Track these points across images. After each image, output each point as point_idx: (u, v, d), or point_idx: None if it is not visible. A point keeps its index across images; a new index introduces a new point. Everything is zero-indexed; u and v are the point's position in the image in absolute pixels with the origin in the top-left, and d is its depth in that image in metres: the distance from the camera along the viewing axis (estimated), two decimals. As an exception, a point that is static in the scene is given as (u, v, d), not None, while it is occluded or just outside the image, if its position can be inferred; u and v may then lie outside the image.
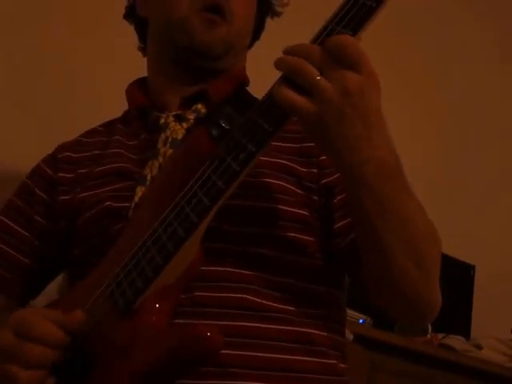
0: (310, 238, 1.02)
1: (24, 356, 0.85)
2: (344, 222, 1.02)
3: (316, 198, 1.04)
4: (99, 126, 1.25)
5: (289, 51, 0.82)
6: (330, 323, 1.02)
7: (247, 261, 0.97)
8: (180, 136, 1.07)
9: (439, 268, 0.96)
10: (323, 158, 1.05)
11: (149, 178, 1.04)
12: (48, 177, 1.17)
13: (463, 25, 2.77)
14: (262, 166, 1.00)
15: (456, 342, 2.20)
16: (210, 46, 1.09)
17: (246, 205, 0.99)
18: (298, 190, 1.03)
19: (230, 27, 1.10)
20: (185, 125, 1.09)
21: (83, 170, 1.14)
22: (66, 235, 1.12)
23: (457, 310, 2.36)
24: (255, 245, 0.98)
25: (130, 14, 1.25)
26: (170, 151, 1.05)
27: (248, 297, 0.95)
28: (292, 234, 1.01)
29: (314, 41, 0.82)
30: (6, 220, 1.17)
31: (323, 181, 1.05)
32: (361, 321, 2.05)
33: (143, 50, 1.26)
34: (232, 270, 0.96)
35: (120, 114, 1.23)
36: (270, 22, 1.28)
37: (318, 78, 0.79)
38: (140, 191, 1.02)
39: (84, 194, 1.09)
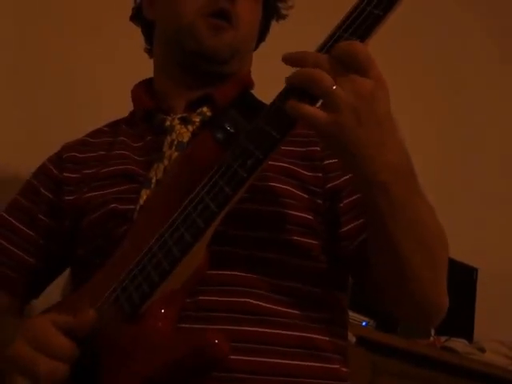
0: (314, 242, 1.03)
1: (38, 371, 0.85)
2: (352, 225, 1.03)
3: (320, 201, 1.05)
4: (104, 126, 1.25)
5: (289, 59, 0.82)
6: (334, 327, 1.02)
7: (253, 265, 0.97)
8: (186, 139, 1.08)
9: (447, 271, 0.97)
10: (328, 162, 1.05)
11: (154, 180, 1.04)
12: (53, 176, 1.18)
13: (463, 25, 2.77)
14: (267, 170, 1.00)
15: (459, 344, 2.20)
16: (216, 50, 1.10)
17: (252, 209, 0.99)
18: (303, 194, 1.04)
19: (236, 32, 1.11)
20: (190, 127, 1.09)
21: (89, 171, 1.14)
22: (70, 235, 1.12)
23: (460, 313, 2.35)
24: (261, 249, 0.98)
25: (137, 16, 1.25)
26: (176, 154, 1.05)
27: (253, 301, 0.95)
28: (297, 238, 1.01)
29: (321, 48, 0.82)
30: (10, 219, 1.18)
31: (328, 185, 1.05)
32: (364, 323, 2.05)
33: (149, 51, 1.26)
34: (238, 273, 0.96)
35: (120, 115, 1.23)
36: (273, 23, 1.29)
37: (334, 87, 0.79)
38: (145, 194, 1.02)
39: (89, 195, 1.09)
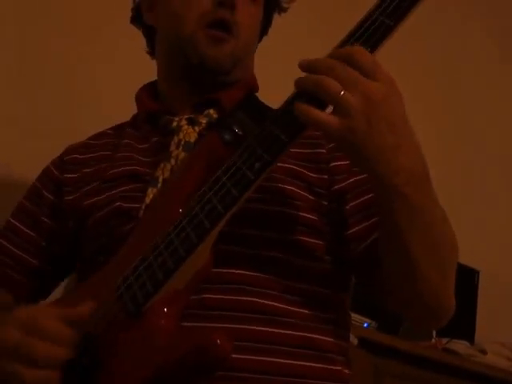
0: (319, 242, 1.03)
1: (30, 354, 0.82)
2: (360, 227, 1.03)
3: (326, 203, 1.05)
4: (108, 129, 1.25)
5: (305, 67, 0.82)
6: (338, 328, 1.03)
7: (259, 264, 0.98)
8: (193, 139, 1.08)
9: (455, 273, 0.98)
10: (334, 164, 1.06)
11: (160, 180, 1.04)
12: (55, 178, 1.19)
13: (463, 25, 2.78)
14: (274, 171, 1.00)
15: (460, 346, 2.21)
16: (218, 61, 1.10)
17: (259, 208, 0.99)
18: (308, 195, 1.04)
19: (236, 41, 1.11)
20: (197, 128, 1.10)
21: (88, 170, 1.15)
22: (74, 236, 1.13)
23: (461, 315, 2.34)
24: (267, 248, 0.99)
25: (137, 20, 1.25)
26: (183, 154, 1.05)
27: (259, 300, 0.96)
28: (302, 238, 1.02)
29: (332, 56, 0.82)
30: (15, 222, 1.19)
31: (334, 187, 1.06)
32: (365, 324, 2.06)
33: (151, 53, 1.26)
34: (243, 272, 0.97)
35: (120, 115, 1.24)
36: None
37: (342, 93, 0.79)
38: (151, 193, 1.03)
39: (96, 198, 1.10)
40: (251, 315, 0.94)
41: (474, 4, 2.82)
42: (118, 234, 1.02)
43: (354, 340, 1.88)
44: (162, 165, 1.06)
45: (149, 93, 1.20)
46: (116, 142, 1.18)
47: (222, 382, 0.89)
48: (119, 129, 1.23)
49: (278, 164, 0.99)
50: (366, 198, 1.03)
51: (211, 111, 1.12)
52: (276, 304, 0.96)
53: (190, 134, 1.08)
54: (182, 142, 1.07)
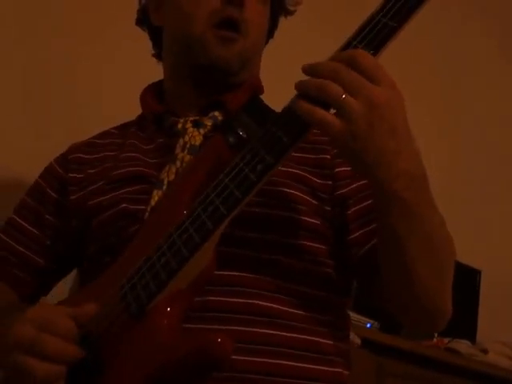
0: (321, 246, 1.04)
1: (43, 350, 0.84)
2: (361, 232, 1.04)
3: (329, 208, 1.06)
4: (112, 128, 1.25)
5: (308, 70, 0.82)
6: (338, 331, 1.03)
7: (261, 267, 0.98)
8: (198, 142, 1.08)
9: (452, 278, 0.98)
10: (338, 170, 1.06)
11: (165, 182, 1.04)
12: (59, 176, 1.19)
13: (464, 25, 2.78)
14: (277, 175, 1.01)
15: (462, 346, 2.22)
16: (227, 61, 1.10)
17: (262, 212, 1.00)
18: (312, 200, 1.04)
19: (245, 41, 1.10)
20: (202, 131, 1.10)
21: (92, 171, 1.15)
22: (78, 235, 1.13)
23: (463, 315, 2.36)
24: (270, 251, 0.99)
25: (143, 21, 1.24)
26: (188, 157, 1.06)
27: (261, 302, 0.96)
28: (305, 242, 1.02)
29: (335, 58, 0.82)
30: (18, 219, 1.19)
31: (337, 192, 1.06)
32: (368, 325, 2.06)
33: (157, 55, 1.25)
34: (246, 275, 0.97)
35: (123, 115, 1.24)
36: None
37: (344, 96, 0.78)
38: (156, 195, 1.03)
39: (101, 198, 1.10)
40: (253, 317, 0.95)
41: (474, 4, 2.82)
42: (125, 236, 1.02)
43: (357, 340, 1.89)
44: (167, 167, 1.06)
45: (153, 93, 1.20)
46: (121, 141, 1.18)
47: (224, 383, 0.90)
48: (124, 128, 1.23)
49: (283, 169, 1.01)
50: (367, 203, 1.03)
51: (216, 113, 1.12)
52: (277, 306, 0.97)
53: (195, 136, 1.08)
54: (188, 145, 1.07)
